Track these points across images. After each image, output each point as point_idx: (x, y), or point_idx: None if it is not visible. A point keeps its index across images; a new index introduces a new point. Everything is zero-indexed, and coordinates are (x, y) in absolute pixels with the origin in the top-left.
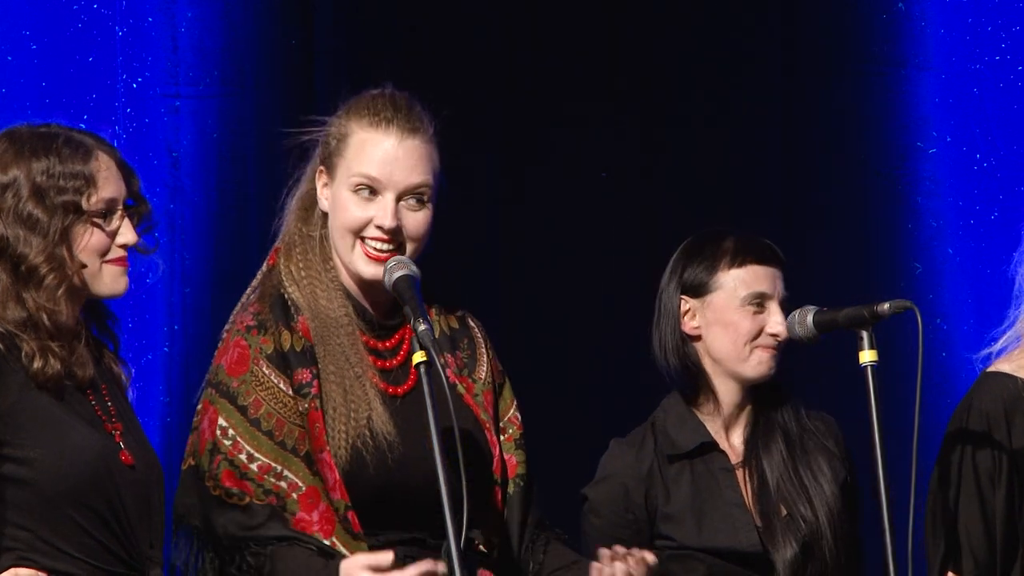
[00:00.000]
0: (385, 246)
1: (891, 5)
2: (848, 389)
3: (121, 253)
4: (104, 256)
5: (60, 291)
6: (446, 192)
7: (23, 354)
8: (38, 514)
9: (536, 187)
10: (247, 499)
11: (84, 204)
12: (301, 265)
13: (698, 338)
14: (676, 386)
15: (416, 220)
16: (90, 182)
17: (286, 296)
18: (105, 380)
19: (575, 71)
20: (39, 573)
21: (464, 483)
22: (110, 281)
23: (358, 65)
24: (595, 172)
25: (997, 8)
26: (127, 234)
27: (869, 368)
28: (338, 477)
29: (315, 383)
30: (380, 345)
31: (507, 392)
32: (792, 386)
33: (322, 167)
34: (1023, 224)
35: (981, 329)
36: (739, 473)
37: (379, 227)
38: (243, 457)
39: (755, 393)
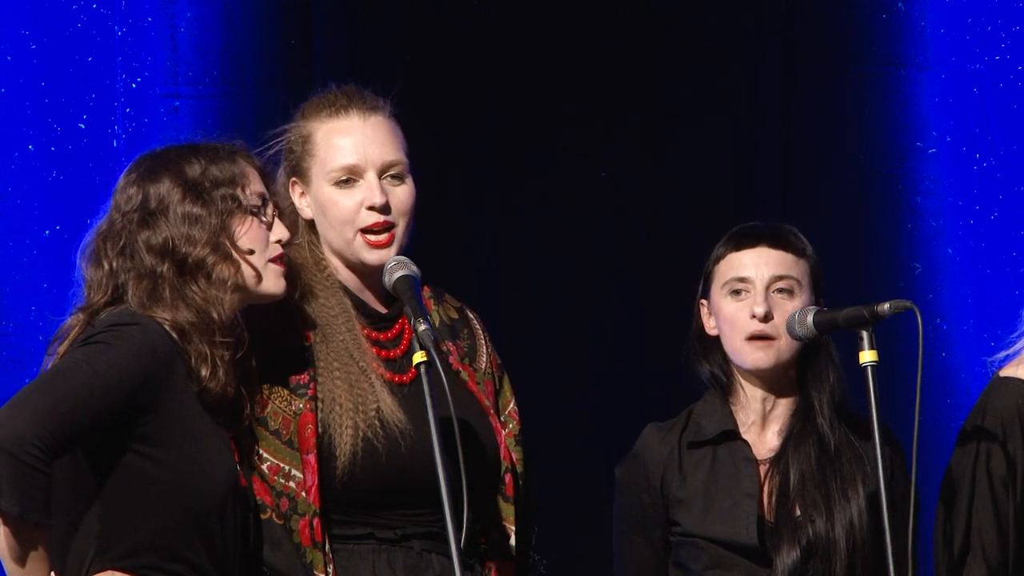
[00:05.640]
0: (383, 234)
1: (891, 5)
2: (848, 389)
3: (279, 251)
4: (265, 252)
5: (230, 282)
6: (445, 192)
7: (192, 357)
8: (155, 518)
9: (536, 187)
10: (268, 512)
11: (240, 196)
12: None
13: (718, 338)
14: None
15: (402, 194)
16: (241, 176)
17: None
18: (239, 400)
19: (574, 71)
20: None
21: (464, 482)
22: (273, 278)
23: (358, 65)
24: (595, 172)
25: (997, 8)
26: (280, 230)
27: (869, 368)
28: (316, 482)
29: (312, 385)
30: (382, 336)
31: (507, 386)
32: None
33: (293, 178)
34: None
35: (981, 329)
36: (764, 468)
37: (371, 207)
38: (255, 459)
39: (798, 392)
